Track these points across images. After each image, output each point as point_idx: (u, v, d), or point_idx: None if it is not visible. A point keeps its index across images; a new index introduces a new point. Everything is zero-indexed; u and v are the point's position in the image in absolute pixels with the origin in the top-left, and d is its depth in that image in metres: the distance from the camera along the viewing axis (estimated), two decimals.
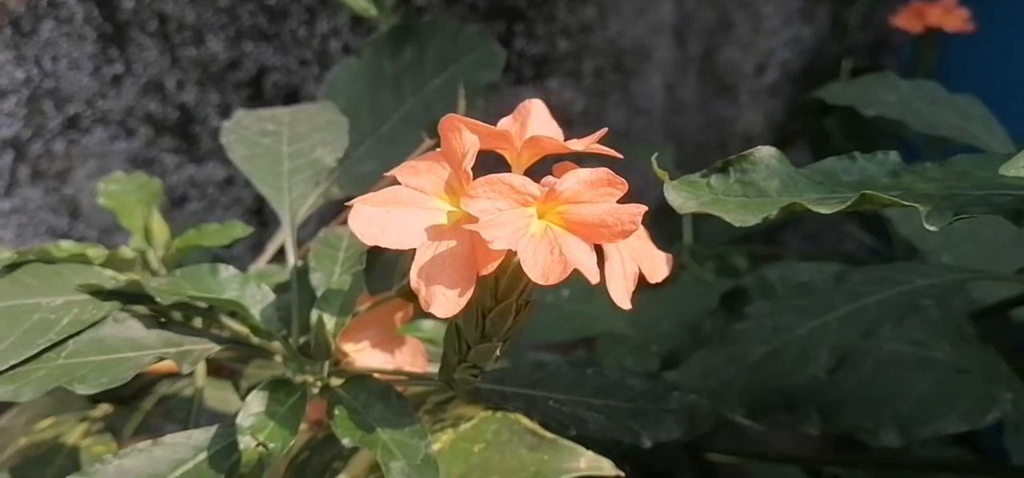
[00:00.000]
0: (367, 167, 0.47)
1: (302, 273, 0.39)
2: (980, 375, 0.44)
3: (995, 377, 0.44)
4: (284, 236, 0.41)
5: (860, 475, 0.52)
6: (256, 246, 0.88)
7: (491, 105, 0.52)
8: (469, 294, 0.28)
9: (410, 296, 0.38)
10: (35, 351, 0.32)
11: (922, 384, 0.41)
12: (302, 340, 0.38)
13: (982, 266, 0.49)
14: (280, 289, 0.41)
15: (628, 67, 1.01)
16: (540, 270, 0.27)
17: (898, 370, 0.42)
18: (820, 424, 0.40)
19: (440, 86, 0.49)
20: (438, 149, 0.31)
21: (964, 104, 0.46)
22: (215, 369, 0.45)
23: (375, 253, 0.45)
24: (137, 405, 0.49)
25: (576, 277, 0.61)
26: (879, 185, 0.30)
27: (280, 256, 0.48)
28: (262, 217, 0.89)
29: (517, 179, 0.28)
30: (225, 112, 0.85)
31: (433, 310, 0.28)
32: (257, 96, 0.86)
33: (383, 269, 0.40)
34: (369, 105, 0.49)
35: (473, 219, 0.27)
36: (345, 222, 0.43)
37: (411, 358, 0.39)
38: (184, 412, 0.48)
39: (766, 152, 0.31)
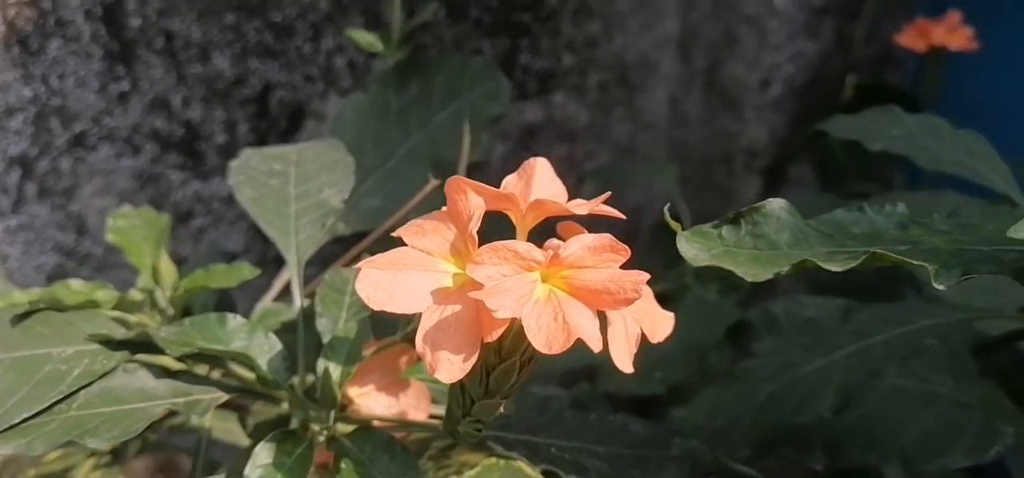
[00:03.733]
0: (373, 203, 0.47)
1: (308, 315, 0.40)
2: (982, 410, 0.44)
3: (997, 412, 0.44)
4: (291, 275, 0.41)
5: None
6: (261, 260, 0.89)
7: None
8: (474, 359, 0.28)
9: (415, 342, 0.38)
10: (47, 404, 0.32)
11: (925, 419, 0.42)
12: (308, 381, 0.39)
13: (986, 298, 0.49)
14: (286, 328, 0.42)
15: (633, 81, 1.02)
16: (544, 339, 0.27)
17: (901, 405, 0.42)
18: (825, 460, 0.40)
19: (446, 120, 0.50)
20: (444, 206, 0.31)
21: (969, 140, 0.46)
22: (223, 403, 0.45)
23: None
24: (144, 435, 0.49)
25: None
26: (888, 238, 0.30)
27: (286, 291, 0.49)
28: (265, 234, 0.90)
29: (522, 246, 0.28)
30: (230, 128, 0.86)
31: (438, 375, 0.28)
32: (262, 113, 0.87)
33: (388, 314, 0.40)
34: (375, 140, 0.49)
35: (478, 285, 0.28)
36: (350, 263, 0.43)
37: (415, 401, 0.40)
38: (189, 439, 0.48)
39: (776, 205, 0.32)
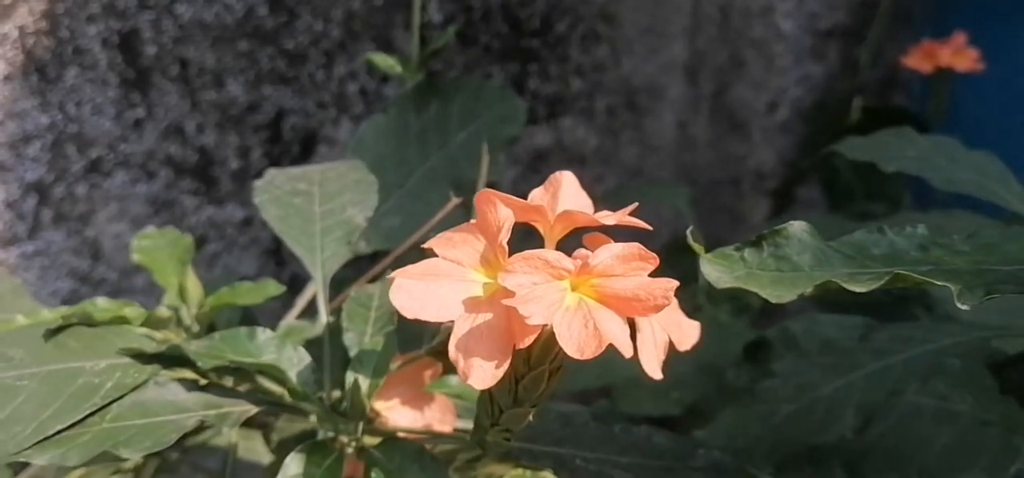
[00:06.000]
0: (393, 222, 0.48)
1: (334, 331, 0.40)
2: (1002, 427, 0.44)
3: (1017, 429, 0.44)
4: (316, 292, 0.42)
5: None
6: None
7: None
8: (506, 366, 0.29)
9: (440, 355, 0.39)
10: (80, 416, 0.33)
11: (945, 437, 0.42)
12: (335, 396, 0.39)
13: (1000, 317, 0.49)
14: (311, 344, 0.42)
15: (641, 106, 1.03)
16: (576, 345, 0.28)
17: (921, 423, 0.42)
18: None
19: (464, 141, 0.50)
20: (472, 219, 0.32)
21: (982, 161, 0.47)
22: (246, 421, 0.45)
23: None
24: (167, 454, 0.50)
25: None
26: (909, 259, 0.30)
27: (307, 311, 0.49)
28: (279, 257, 0.90)
29: (552, 255, 0.29)
30: (244, 154, 0.86)
31: (471, 382, 0.28)
32: (275, 138, 0.88)
33: (413, 328, 0.41)
34: (395, 160, 0.50)
35: (509, 293, 0.28)
36: (374, 279, 0.44)
37: (440, 415, 0.40)
38: (213, 460, 0.48)
39: (798, 227, 0.32)
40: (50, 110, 0.79)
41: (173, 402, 0.35)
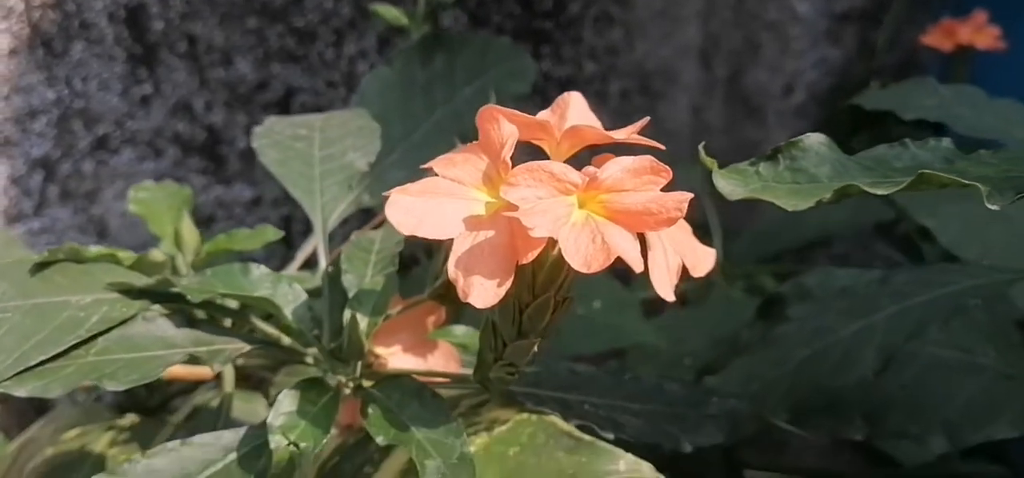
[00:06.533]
0: (397, 175, 0.47)
1: (334, 277, 0.39)
2: None
3: None
4: (315, 240, 0.40)
5: None
6: (283, 264, 0.88)
7: None
8: (508, 284, 0.27)
9: (443, 299, 0.37)
10: (64, 348, 0.31)
11: (969, 390, 0.40)
12: (333, 345, 0.38)
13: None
14: (311, 295, 0.41)
15: (654, 89, 1.01)
16: (582, 258, 0.26)
17: (944, 375, 0.41)
18: (865, 430, 0.39)
19: (471, 96, 0.49)
20: (475, 142, 0.30)
21: (1007, 108, 0.45)
22: (244, 378, 0.44)
23: (408, 259, 0.44)
24: (164, 417, 0.48)
25: (608, 289, 0.60)
26: (934, 169, 0.29)
27: (310, 265, 0.48)
28: (288, 238, 0.89)
29: (558, 167, 0.27)
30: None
31: (471, 300, 0.27)
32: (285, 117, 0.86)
33: (415, 274, 0.39)
34: (400, 113, 0.48)
35: (512, 207, 0.27)
36: (376, 227, 0.42)
37: (443, 363, 0.39)
38: (212, 423, 0.47)
39: (816, 139, 0.31)
40: (56, 85, 0.78)
41: (162, 337, 0.33)
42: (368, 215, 0.48)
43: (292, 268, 0.46)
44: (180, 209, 0.43)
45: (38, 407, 0.57)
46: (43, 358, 0.31)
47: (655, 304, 0.72)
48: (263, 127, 0.43)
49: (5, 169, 0.79)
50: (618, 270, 0.76)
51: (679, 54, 1.01)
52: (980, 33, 0.85)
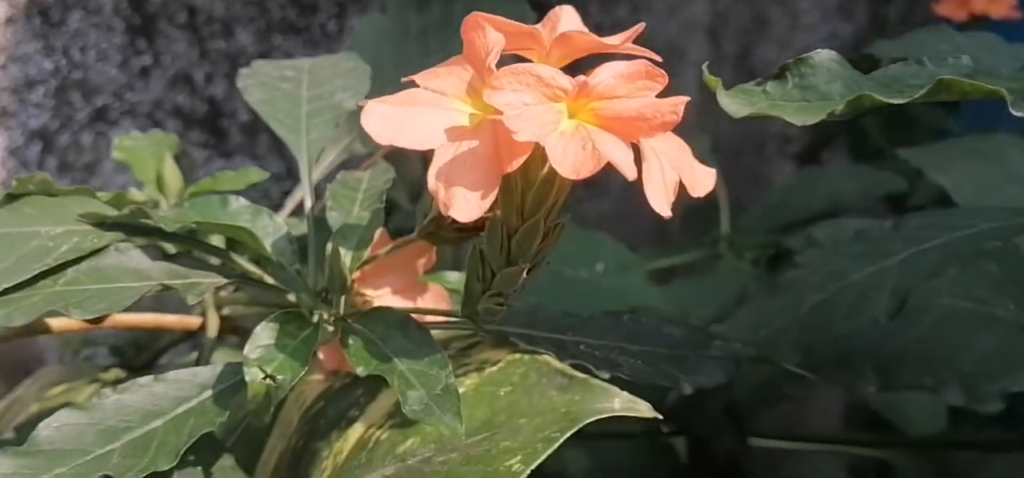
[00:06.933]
0: None
1: (320, 218, 0.37)
2: None
3: None
4: (302, 182, 0.39)
5: (902, 456, 0.49)
6: None
7: None
8: (492, 196, 0.25)
9: (433, 238, 0.36)
10: (30, 275, 0.30)
11: (985, 342, 0.38)
12: (319, 287, 0.36)
13: None
14: (299, 240, 0.39)
15: (661, 67, 0.99)
16: (570, 164, 0.24)
17: (959, 327, 0.39)
18: (877, 382, 0.37)
19: None
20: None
21: None
22: (229, 329, 0.42)
23: (395, 200, 0.42)
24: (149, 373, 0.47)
25: (612, 252, 0.58)
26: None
27: (296, 213, 0.46)
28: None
29: (545, 70, 0.26)
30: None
31: (453, 213, 0.25)
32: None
33: (404, 216, 0.38)
34: (394, 61, 0.47)
35: (497, 114, 0.25)
36: (366, 169, 0.41)
37: (434, 306, 0.37)
38: None
39: (826, 55, 0.29)
40: (54, 55, 0.77)
41: (135, 269, 0.32)
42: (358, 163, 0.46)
43: (281, 216, 0.45)
44: (163, 154, 0.41)
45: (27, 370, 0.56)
46: (7, 286, 0.30)
47: (661, 275, 0.70)
48: (249, 69, 0.42)
49: (3, 140, 0.78)
50: (623, 233, 0.73)
51: (687, 30, 0.99)
52: (995, 2, 0.83)
